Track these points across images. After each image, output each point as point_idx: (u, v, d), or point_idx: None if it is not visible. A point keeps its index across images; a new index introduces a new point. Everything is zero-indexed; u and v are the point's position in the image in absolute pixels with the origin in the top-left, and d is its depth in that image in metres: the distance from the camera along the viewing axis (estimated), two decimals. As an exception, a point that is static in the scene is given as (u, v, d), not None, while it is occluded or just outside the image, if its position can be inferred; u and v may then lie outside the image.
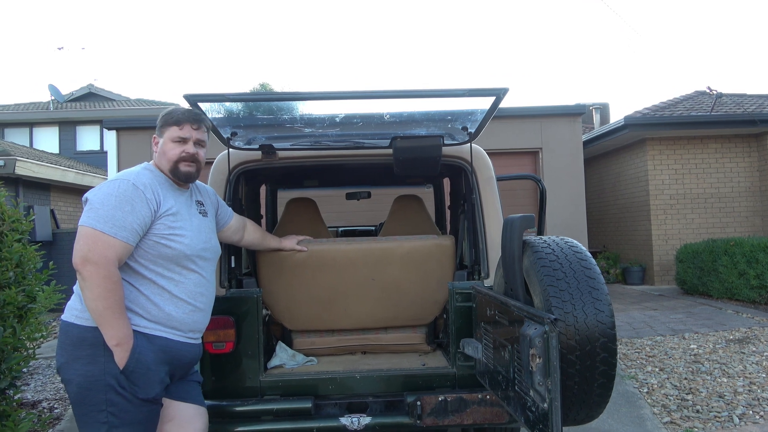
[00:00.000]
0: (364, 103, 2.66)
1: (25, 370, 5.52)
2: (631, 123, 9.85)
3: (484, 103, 2.57)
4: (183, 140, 2.17)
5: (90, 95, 20.89)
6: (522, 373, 1.94)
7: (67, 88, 20.61)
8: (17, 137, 17.77)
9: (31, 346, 3.48)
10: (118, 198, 1.98)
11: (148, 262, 2.06)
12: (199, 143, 2.21)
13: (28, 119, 18.44)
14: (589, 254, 2.08)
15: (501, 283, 2.44)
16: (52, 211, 11.24)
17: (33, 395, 4.84)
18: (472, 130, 2.84)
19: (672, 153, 10.47)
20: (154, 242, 2.05)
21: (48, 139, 18.26)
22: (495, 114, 2.67)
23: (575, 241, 2.17)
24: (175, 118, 2.17)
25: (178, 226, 2.11)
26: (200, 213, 2.29)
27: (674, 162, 10.47)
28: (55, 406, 4.51)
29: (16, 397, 3.51)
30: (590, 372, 1.92)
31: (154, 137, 2.21)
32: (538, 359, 1.77)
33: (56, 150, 17.79)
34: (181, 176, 2.18)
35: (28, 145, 17.01)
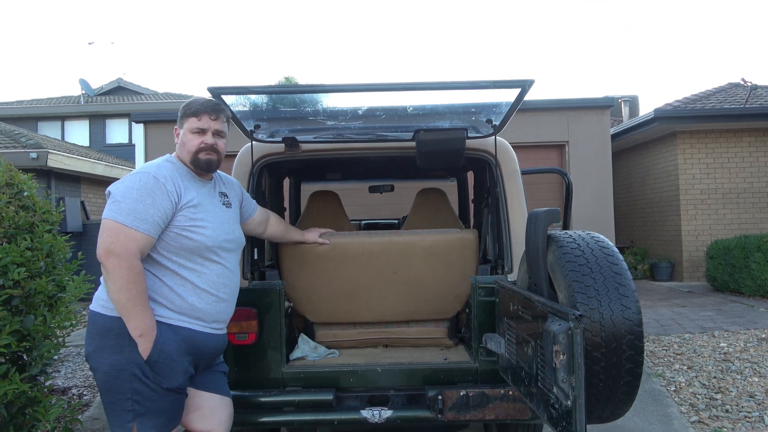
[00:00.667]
0: (387, 96, 2.64)
1: (56, 357, 5.67)
2: (662, 116, 9.62)
3: (510, 96, 2.53)
4: (201, 131, 2.18)
5: (119, 89, 21.29)
6: (545, 370, 1.91)
7: (97, 83, 21.06)
8: (50, 131, 18.22)
9: (61, 335, 3.56)
10: (139, 191, 2.01)
11: (170, 254, 2.08)
12: (218, 134, 2.22)
13: (60, 113, 18.89)
14: (615, 249, 2.04)
15: (525, 277, 2.40)
16: (82, 203, 11.49)
17: (63, 381, 4.97)
18: (497, 123, 2.80)
19: (703, 147, 10.20)
20: (175, 234, 2.07)
21: (79, 133, 18.69)
22: (520, 107, 2.63)
23: (601, 236, 2.12)
24: (193, 109, 2.18)
25: (200, 218, 2.12)
26: (224, 204, 2.31)
27: (706, 156, 10.20)
28: (85, 393, 4.62)
29: (47, 384, 3.60)
30: (616, 369, 1.88)
31: (176, 129, 2.23)
32: (562, 356, 1.74)
33: (87, 143, 18.19)
34: (202, 165, 2.19)
35: (59, 138, 17.43)
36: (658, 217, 11.04)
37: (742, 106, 9.80)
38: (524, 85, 2.31)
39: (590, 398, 1.90)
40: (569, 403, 1.73)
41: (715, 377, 4.60)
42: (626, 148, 11.89)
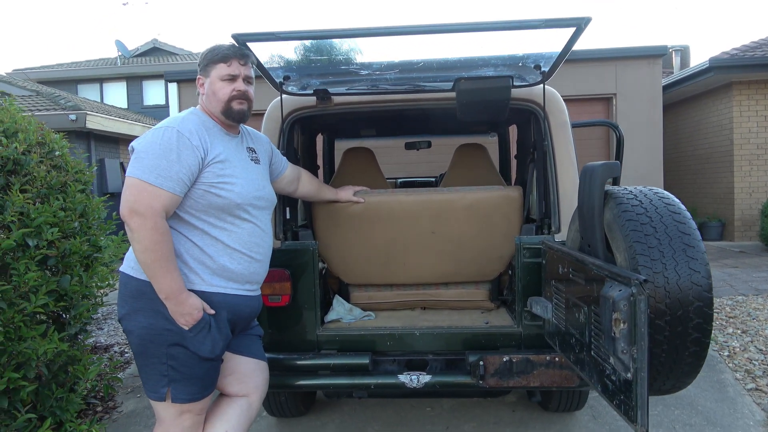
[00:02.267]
0: (426, 42, 2.43)
1: (98, 315, 5.80)
2: (717, 65, 8.98)
3: (560, 40, 2.29)
4: (232, 78, 2.03)
5: (154, 50, 21.33)
6: (601, 338, 1.74)
7: (133, 44, 21.21)
8: (89, 93, 18.48)
9: (99, 294, 3.57)
10: (162, 146, 1.88)
11: (199, 213, 1.97)
12: (248, 80, 2.07)
13: (98, 75, 19.08)
14: (682, 207, 1.82)
15: (576, 238, 2.21)
16: (121, 164, 11.66)
17: (106, 339, 5.07)
18: (546, 69, 2.56)
19: (762, 98, 9.52)
20: (203, 191, 1.95)
21: (117, 95, 18.90)
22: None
23: (666, 192, 1.91)
24: (221, 54, 2.02)
25: (228, 174, 2.00)
26: (252, 160, 2.17)
27: (764, 108, 9.53)
28: (126, 350, 4.70)
29: (87, 342, 3.64)
30: (681, 339, 1.70)
31: (199, 78, 2.09)
32: (622, 324, 1.57)
33: (125, 105, 18.40)
34: (235, 115, 2.05)
35: (99, 101, 17.65)
36: (708, 173, 10.48)
37: (808, 52, 9.05)
38: (580, 24, 2.07)
39: (651, 369, 1.73)
40: (629, 376, 1.57)
41: (772, 342, 4.34)
42: (675, 101, 11.24)
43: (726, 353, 4.19)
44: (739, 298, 5.73)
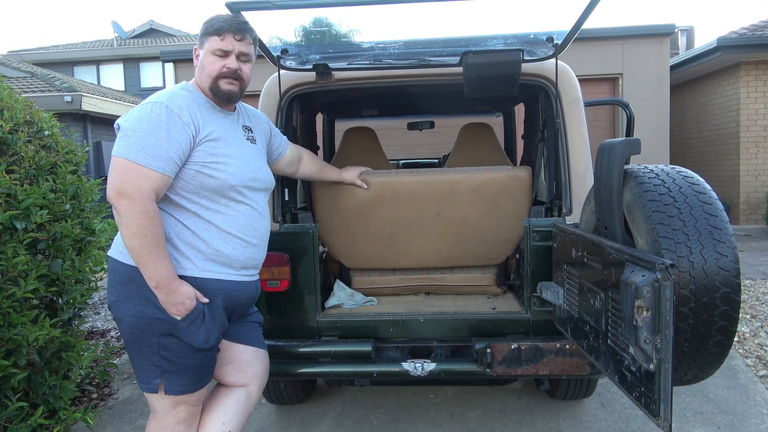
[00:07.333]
0: (430, 12, 2.29)
1: (96, 300, 5.71)
2: (726, 44, 8.79)
3: (573, 10, 2.16)
4: (225, 53, 1.89)
5: (151, 31, 21.06)
6: (620, 327, 1.64)
7: (129, 25, 20.88)
8: (85, 75, 18.25)
9: (93, 279, 3.47)
10: (150, 123, 1.75)
11: (190, 194, 1.85)
12: (243, 57, 1.93)
13: (95, 57, 18.83)
14: (708, 186, 1.71)
15: (590, 220, 2.10)
16: (119, 147, 11.51)
17: (103, 324, 4.98)
18: (559, 41, 2.42)
19: (769, 79, 9.35)
20: (195, 171, 1.83)
21: (114, 77, 18.67)
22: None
23: (690, 171, 1.79)
24: (215, 26, 1.88)
25: (221, 153, 1.87)
26: (248, 139, 2.05)
27: (772, 89, 9.37)
28: (123, 335, 4.62)
29: (82, 328, 3.55)
30: (705, 328, 1.60)
31: (195, 49, 1.95)
32: (645, 312, 1.46)
33: (122, 87, 18.18)
34: (222, 96, 1.92)
35: (95, 83, 17.43)
36: (714, 156, 10.34)
37: (818, 32, 8.85)
38: None
39: (673, 359, 1.63)
40: (652, 367, 1.47)
41: (783, 327, 4.26)
42: (681, 82, 11.05)
43: (735, 339, 4.10)
44: (746, 282, 5.64)
